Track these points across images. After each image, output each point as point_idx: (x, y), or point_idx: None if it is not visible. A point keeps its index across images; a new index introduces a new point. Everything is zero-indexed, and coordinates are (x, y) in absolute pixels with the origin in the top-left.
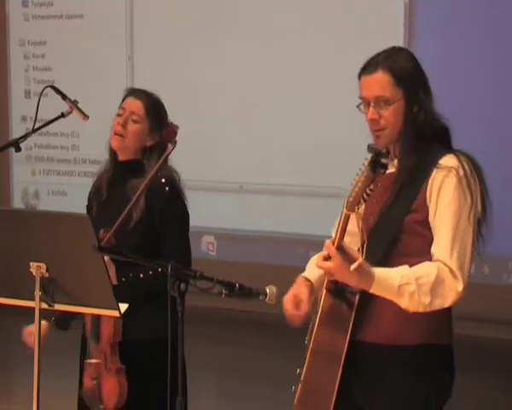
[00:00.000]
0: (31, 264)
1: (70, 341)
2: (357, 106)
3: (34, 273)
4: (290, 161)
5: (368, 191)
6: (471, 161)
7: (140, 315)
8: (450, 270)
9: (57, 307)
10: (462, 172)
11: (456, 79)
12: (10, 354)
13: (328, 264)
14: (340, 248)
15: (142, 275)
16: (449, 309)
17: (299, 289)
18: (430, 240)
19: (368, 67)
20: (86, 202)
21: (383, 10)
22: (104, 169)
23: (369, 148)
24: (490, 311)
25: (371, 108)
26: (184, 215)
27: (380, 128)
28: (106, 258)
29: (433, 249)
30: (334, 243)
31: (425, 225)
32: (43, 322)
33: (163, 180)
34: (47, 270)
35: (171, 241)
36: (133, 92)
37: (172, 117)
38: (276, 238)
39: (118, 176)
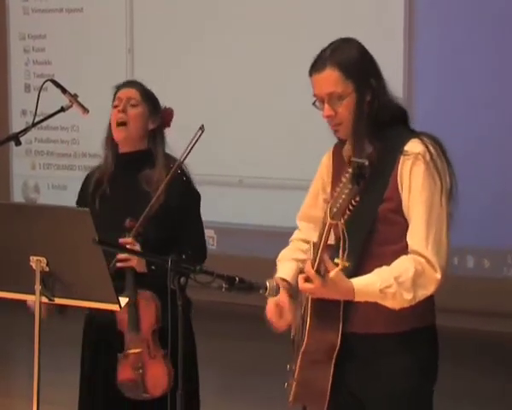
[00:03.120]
0: (31, 258)
1: (68, 334)
2: (313, 103)
3: (34, 267)
4: (290, 154)
5: (353, 202)
6: (435, 142)
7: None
8: (427, 260)
9: (57, 300)
10: (428, 157)
11: (457, 74)
12: (10, 348)
13: (309, 286)
14: (320, 269)
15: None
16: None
17: (279, 298)
18: (405, 226)
19: (316, 65)
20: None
21: (383, 6)
22: (105, 164)
23: (351, 162)
24: (490, 304)
25: (326, 105)
26: (200, 201)
27: (336, 123)
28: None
29: (409, 239)
30: (313, 264)
31: (398, 212)
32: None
33: (178, 171)
34: (47, 264)
35: (195, 228)
36: (124, 84)
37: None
38: (276, 232)
39: (124, 169)
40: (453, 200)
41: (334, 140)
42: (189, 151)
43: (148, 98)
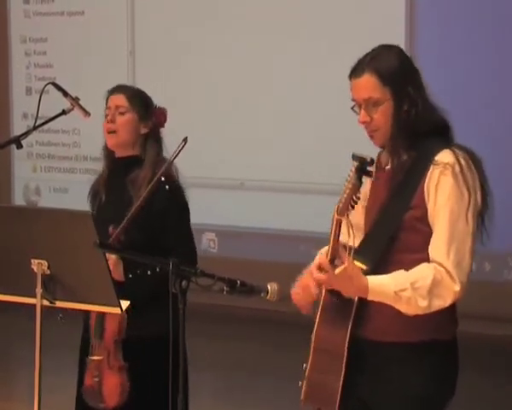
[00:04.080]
0: (32, 261)
1: (69, 338)
2: (352, 108)
3: (35, 270)
4: (291, 157)
5: (355, 198)
6: (468, 154)
7: (148, 312)
8: (447, 271)
9: (58, 304)
10: (457, 169)
11: (457, 74)
12: (11, 352)
13: (322, 276)
14: (334, 258)
15: (149, 272)
16: (451, 305)
17: (307, 279)
18: (429, 236)
19: (355, 70)
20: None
21: (384, 8)
22: (101, 172)
23: (354, 157)
24: (491, 308)
25: (362, 111)
26: (186, 209)
27: (372, 130)
28: (114, 256)
29: (430, 250)
30: (327, 255)
31: (423, 221)
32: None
33: (162, 178)
34: (48, 267)
35: (176, 239)
36: (113, 90)
37: (173, 113)
38: (277, 235)
39: (115, 173)
40: (488, 216)
41: (337, 143)
42: (171, 162)
43: (138, 103)
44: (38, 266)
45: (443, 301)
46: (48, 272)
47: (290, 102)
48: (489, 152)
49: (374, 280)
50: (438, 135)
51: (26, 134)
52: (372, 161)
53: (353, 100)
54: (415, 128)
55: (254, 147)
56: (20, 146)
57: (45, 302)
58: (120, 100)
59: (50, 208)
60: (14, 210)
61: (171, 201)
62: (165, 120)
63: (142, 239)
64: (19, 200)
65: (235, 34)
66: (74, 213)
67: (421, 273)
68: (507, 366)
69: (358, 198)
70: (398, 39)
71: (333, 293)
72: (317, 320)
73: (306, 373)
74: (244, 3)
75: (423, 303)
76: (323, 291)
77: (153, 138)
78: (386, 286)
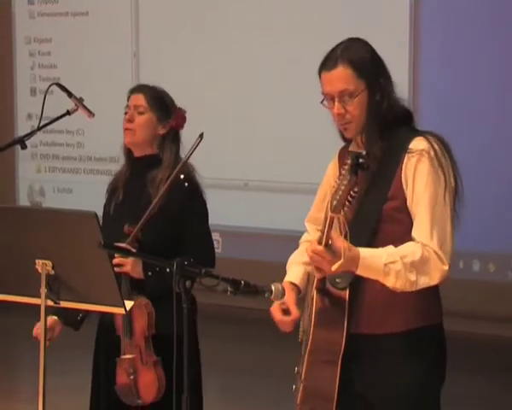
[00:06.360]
0: (36, 261)
1: (74, 338)
2: (321, 102)
3: (40, 271)
4: (296, 158)
5: (352, 194)
6: (439, 140)
7: (166, 309)
8: (434, 251)
9: (63, 304)
10: (432, 154)
11: (460, 77)
12: (15, 353)
13: (316, 249)
14: (328, 245)
15: (168, 269)
16: (435, 289)
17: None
18: (410, 225)
19: (327, 63)
20: (104, 202)
21: (388, 10)
22: (121, 170)
23: (349, 153)
24: (496, 309)
25: (336, 103)
26: (205, 210)
27: (346, 121)
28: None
29: (414, 234)
30: (320, 243)
31: (403, 210)
32: (54, 317)
33: (182, 176)
34: (53, 267)
35: (195, 237)
36: (135, 89)
37: None
38: (281, 236)
39: (135, 172)
40: (458, 198)
41: (339, 144)
42: (187, 158)
43: (157, 104)
44: (43, 266)
45: (429, 278)
46: (52, 272)
47: (294, 103)
48: (492, 153)
49: (366, 254)
50: (404, 124)
51: (31, 135)
52: (367, 154)
53: (324, 93)
54: (386, 118)
55: (258, 147)
56: (24, 147)
57: (50, 302)
58: (140, 100)
59: (55, 209)
60: (19, 211)
61: (190, 199)
62: (183, 123)
63: (160, 237)
64: (23, 201)
65: (238, 36)
66: (78, 214)
67: (410, 249)
68: (511, 367)
69: (356, 193)
70: (403, 44)
71: (324, 294)
72: (311, 323)
73: (302, 375)
74: (247, 6)
75: (412, 277)
76: (314, 294)
77: (170, 139)
78: (377, 258)
